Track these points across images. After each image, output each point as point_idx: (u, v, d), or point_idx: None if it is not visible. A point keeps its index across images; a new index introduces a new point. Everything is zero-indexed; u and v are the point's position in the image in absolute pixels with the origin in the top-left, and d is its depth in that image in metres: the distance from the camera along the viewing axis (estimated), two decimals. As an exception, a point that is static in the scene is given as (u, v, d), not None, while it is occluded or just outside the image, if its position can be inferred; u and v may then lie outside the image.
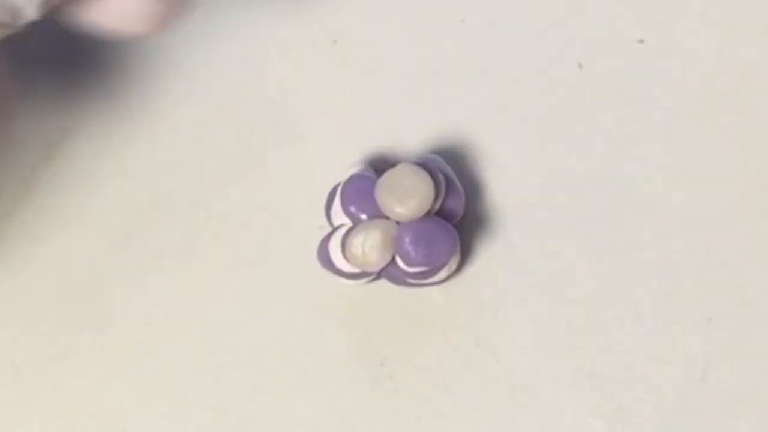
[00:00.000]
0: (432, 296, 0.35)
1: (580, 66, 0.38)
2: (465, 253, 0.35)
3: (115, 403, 0.35)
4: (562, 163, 0.37)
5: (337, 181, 0.35)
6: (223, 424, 0.35)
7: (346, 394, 0.35)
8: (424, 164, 0.34)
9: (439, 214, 0.34)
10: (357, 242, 0.33)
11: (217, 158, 0.37)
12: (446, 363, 0.35)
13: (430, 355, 0.35)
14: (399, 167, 0.34)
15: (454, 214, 0.35)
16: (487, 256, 0.36)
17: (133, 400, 0.35)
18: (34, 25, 0.30)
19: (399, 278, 0.35)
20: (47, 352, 0.36)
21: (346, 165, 0.36)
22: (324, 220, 0.35)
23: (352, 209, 0.34)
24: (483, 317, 0.35)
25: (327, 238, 0.34)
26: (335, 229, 0.34)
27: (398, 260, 0.34)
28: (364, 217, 0.34)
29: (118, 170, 0.37)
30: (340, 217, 0.35)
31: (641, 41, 0.38)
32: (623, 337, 0.35)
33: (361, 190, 0.34)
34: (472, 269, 0.36)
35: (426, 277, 0.34)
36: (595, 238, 0.36)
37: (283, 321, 0.35)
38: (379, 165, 0.35)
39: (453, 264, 0.35)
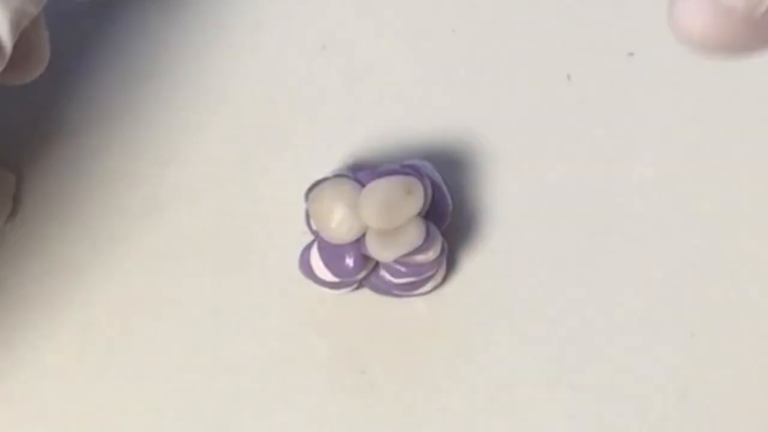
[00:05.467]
0: (414, 305, 0.35)
1: (568, 77, 0.38)
2: (450, 264, 0.35)
3: (95, 406, 0.35)
4: (549, 175, 0.36)
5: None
6: (204, 431, 0.34)
7: (327, 402, 0.34)
8: (412, 168, 0.34)
9: (426, 218, 0.34)
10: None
11: (204, 163, 0.37)
12: (428, 372, 0.35)
13: (411, 364, 0.35)
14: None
15: (441, 219, 0.35)
16: (471, 265, 0.36)
17: (113, 404, 0.35)
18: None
19: (384, 289, 0.34)
20: (30, 353, 0.36)
21: (331, 170, 0.36)
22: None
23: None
24: (465, 327, 0.35)
25: (308, 248, 0.34)
26: (316, 239, 0.34)
27: (383, 272, 0.34)
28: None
29: (112, 172, 0.37)
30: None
31: (631, 54, 0.38)
32: (606, 350, 0.34)
33: None
34: (455, 278, 0.35)
35: (412, 289, 0.34)
36: (580, 251, 0.36)
37: (264, 328, 0.35)
38: (361, 169, 0.35)
39: (439, 276, 0.35)
